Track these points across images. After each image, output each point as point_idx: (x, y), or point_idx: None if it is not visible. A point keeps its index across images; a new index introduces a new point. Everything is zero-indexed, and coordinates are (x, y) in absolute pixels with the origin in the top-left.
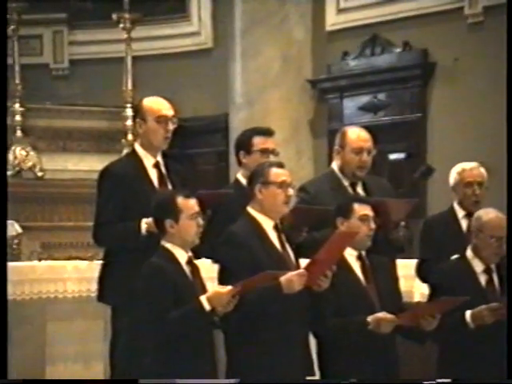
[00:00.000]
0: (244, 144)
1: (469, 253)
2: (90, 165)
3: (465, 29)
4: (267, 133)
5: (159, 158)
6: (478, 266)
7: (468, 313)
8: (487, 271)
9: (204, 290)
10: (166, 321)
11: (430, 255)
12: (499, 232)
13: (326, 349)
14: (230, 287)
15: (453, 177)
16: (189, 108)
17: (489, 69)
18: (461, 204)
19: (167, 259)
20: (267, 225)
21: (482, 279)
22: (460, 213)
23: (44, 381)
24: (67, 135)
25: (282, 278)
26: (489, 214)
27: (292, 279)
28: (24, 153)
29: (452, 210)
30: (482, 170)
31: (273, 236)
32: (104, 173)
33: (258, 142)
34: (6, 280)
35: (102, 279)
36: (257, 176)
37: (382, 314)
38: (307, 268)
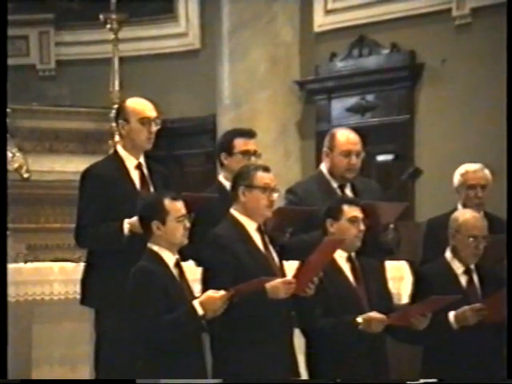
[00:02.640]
0: (225, 146)
1: (448, 254)
2: (76, 166)
3: (452, 30)
4: (248, 134)
5: (142, 160)
6: (458, 268)
7: (451, 314)
8: (467, 272)
9: (191, 293)
10: (159, 324)
11: (433, 256)
12: (476, 232)
13: (314, 349)
14: (223, 292)
15: (456, 178)
16: (176, 109)
17: (476, 70)
18: (464, 205)
19: (156, 262)
20: (250, 227)
21: (463, 280)
22: None
23: (43, 381)
24: (54, 136)
25: (268, 285)
26: (465, 214)
27: (278, 286)
28: (10, 154)
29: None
30: (486, 172)
31: (256, 238)
32: (85, 174)
33: (240, 143)
34: (5, 280)
35: (85, 281)
36: (241, 178)
37: (372, 314)
38: (294, 275)
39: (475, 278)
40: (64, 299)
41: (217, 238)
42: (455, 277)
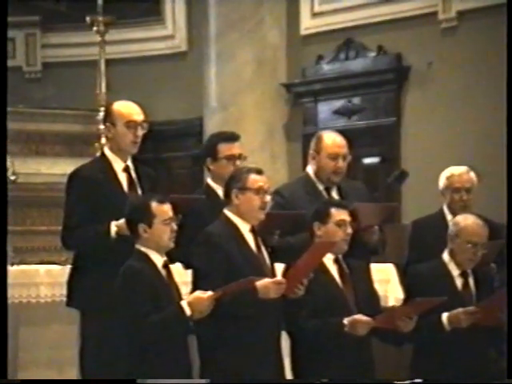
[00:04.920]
0: (210, 151)
1: (445, 256)
2: (63, 168)
3: (438, 33)
4: (232, 138)
5: (129, 162)
6: (454, 270)
7: (445, 315)
8: (463, 275)
9: (179, 295)
10: (146, 324)
11: (418, 257)
12: (476, 238)
13: (301, 350)
14: (210, 293)
15: (442, 181)
16: (163, 112)
17: (462, 73)
18: (449, 207)
19: (144, 262)
20: (244, 228)
21: (458, 283)
22: (448, 216)
23: (43, 381)
24: (40, 138)
25: (259, 284)
26: (467, 219)
27: (269, 286)
28: None
29: (441, 213)
30: (472, 175)
31: (249, 239)
32: (72, 176)
33: (224, 148)
34: (6, 281)
35: (71, 284)
36: (234, 181)
37: (358, 316)
38: (284, 275)
39: (471, 281)
40: (50, 302)
41: (210, 237)
42: (451, 279)
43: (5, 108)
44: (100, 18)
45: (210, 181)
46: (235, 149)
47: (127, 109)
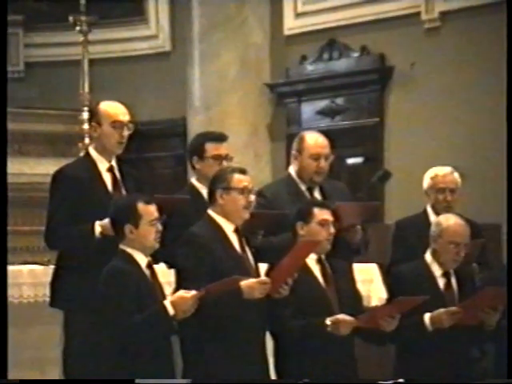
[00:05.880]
0: (196, 150)
1: (428, 256)
2: (46, 168)
3: (421, 34)
4: (220, 138)
5: (114, 163)
6: (437, 270)
7: (427, 316)
8: (446, 275)
9: (163, 295)
10: (130, 324)
11: (402, 257)
12: (458, 238)
13: (284, 350)
14: (194, 292)
15: (426, 181)
16: (146, 111)
17: (445, 73)
18: (433, 208)
19: (128, 263)
20: (228, 228)
21: (441, 283)
22: (432, 216)
23: (43, 381)
24: (23, 138)
25: (243, 284)
26: (449, 220)
27: (253, 286)
28: None
29: (425, 213)
30: (456, 175)
31: (233, 239)
32: (57, 175)
33: (211, 148)
34: (6, 281)
35: (54, 284)
36: (218, 181)
37: (341, 316)
38: (268, 275)
39: (453, 281)
40: (33, 302)
41: (194, 237)
42: (433, 279)
43: (5, 109)
44: (83, 18)
45: (194, 181)
46: (222, 149)
47: (113, 109)
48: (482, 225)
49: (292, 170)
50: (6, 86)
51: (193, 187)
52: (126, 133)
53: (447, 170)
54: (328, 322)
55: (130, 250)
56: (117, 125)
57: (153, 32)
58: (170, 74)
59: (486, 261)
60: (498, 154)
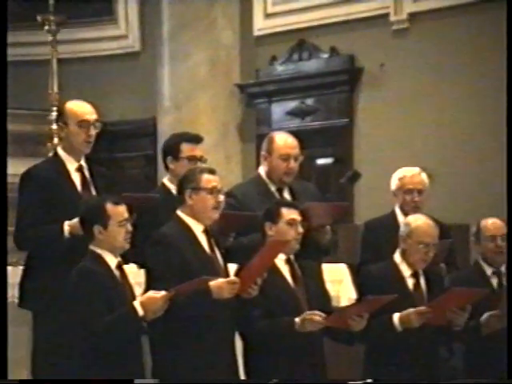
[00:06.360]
0: (172, 150)
1: (397, 257)
2: (15, 169)
3: (390, 35)
4: (195, 140)
5: (83, 162)
6: (406, 270)
7: (396, 316)
8: (415, 275)
9: (133, 295)
10: (99, 325)
11: (371, 258)
12: (427, 239)
13: (253, 350)
14: (164, 292)
15: (394, 182)
16: (116, 112)
17: (414, 74)
18: (401, 208)
19: (97, 263)
20: (197, 228)
21: (410, 283)
22: (400, 217)
23: (43, 381)
24: None
25: (212, 284)
26: (417, 220)
27: (222, 286)
28: None
29: (393, 214)
30: (424, 176)
31: (202, 239)
32: (25, 176)
33: (186, 148)
34: (6, 281)
35: (23, 284)
36: (187, 181)
37: (308, 315)
38: (238, 275)
39: (422, 281)
40: None
41: (163, 238)
42: (402, 279)
43: (5, 110)
44: (52, 18)
45: (166, 180)
46: (197, 150)
47: (80, 108)
48: (450, 225)
49: (262, 170)
50: (5, 85)
51: (164, 186)
52: (93, 132)
53: (415, 170)
54: (297, 320)
55: (99, 251)
56: (83, 124)
57: (122, 32)
58: (139, 74)
59: (453, 261)
60: (465, 154)
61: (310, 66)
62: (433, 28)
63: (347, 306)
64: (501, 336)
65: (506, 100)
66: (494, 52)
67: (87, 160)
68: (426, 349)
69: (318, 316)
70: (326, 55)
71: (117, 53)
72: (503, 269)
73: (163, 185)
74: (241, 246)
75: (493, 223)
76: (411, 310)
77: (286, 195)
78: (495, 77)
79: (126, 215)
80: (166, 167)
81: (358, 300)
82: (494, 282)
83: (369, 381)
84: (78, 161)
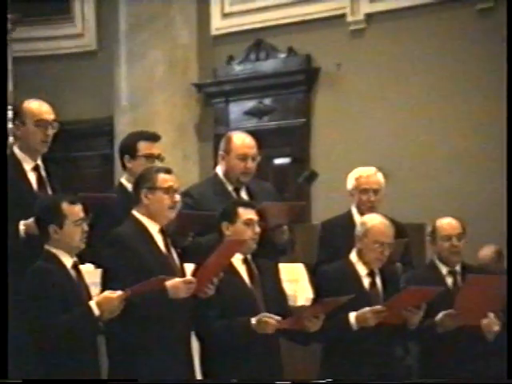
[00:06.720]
0: (129, 148)
1: (353, 256)
2: None
3: (347, 35)
4: (153, 138)
5: (39, 162)
6: (362, 270)
7: (352, 315)
8: (371, 274)
9: (89, 295)
10: (55, 325)
11: (328, 257)
12: (383, 238)
13: (209, 350)
14: (120, 292)
15: (350, 182)
16: (73, 111)
17: (371, 74)
18: (357, 208)
19: (53, 263)
20: (153, 228)
21: (366, 282)
22: (356, 216)
23: (43, 381)
24: None
25: (169, 284)
26: (374, 220)
27: (179, 286)
28: None
29: (349, 214)
30: (380, 176)
31: (158, 239)
32: None
33: (143, 147)
34: (6, 280)
35: None
36: (143, 181)
37: (265, 315)
38: (194, 275)
39: (378, 280)
40: None
41: (119, 238)
42: (358, 278)
43: (5, 109)
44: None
45: (123, 180)
46: (155, 149)
47: (37, 107)
48: (406, 225)
49: (219, 170)
50: (5, 85)
51: (121, 186)
52: (51, 131)
53: (371, 170)
54: (253, 321)
55: (54, 251)
56: (41, 123)
57: (79, 30)
58: (96, 73)
59: (409, 260)
60: (421, 154)
61: (268, 65)
62: (389, 29)
63: (303, 308)
64: (460, 335)
65: (460, 98)
66: (451, 51)
67: (44, 160)
68: (382, 348)
69: (273, 320)
70: (283, 55)
71: (73, 52)
72: (458, 268)
73: (120, 184)
74: (198, 246)
75: (448, 223)
76: (367, 308)
77: (243, 195)
78: (453, 76)
79: (82, 215)
80: (124, 166)
81: (315, 300)
82: (449, 281)
83: (322, 381)
84: (35, 160)
